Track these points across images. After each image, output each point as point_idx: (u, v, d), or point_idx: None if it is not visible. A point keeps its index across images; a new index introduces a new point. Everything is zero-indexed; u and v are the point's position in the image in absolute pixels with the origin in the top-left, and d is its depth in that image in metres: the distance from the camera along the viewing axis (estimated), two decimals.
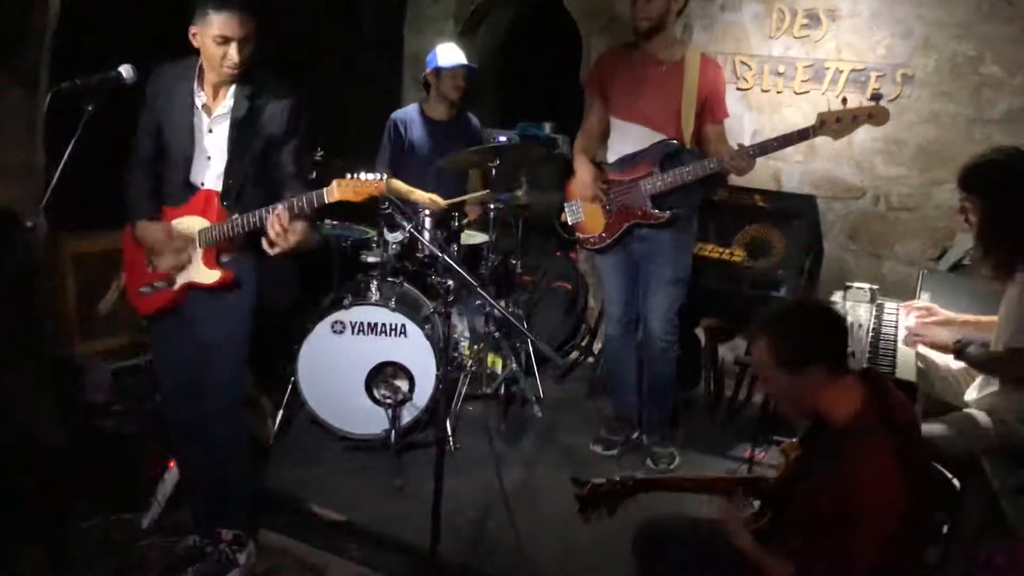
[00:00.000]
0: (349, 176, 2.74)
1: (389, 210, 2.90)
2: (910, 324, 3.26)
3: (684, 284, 3.84)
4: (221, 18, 2.69)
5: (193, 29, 2.76)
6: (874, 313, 3.49)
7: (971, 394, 3.07)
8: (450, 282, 3.59)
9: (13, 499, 3.01)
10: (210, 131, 2.87)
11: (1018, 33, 4.13)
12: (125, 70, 2.74)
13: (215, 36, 2.71)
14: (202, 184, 2.90)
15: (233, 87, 2.86)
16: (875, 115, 3.35)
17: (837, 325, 2.16)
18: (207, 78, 2.85)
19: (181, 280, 2.94)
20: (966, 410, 3.00)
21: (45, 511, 2.95)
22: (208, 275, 2.91)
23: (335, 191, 2.74)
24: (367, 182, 2.74)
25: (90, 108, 2.65)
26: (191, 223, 2.90)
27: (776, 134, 3.55)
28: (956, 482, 2.67)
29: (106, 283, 3.87)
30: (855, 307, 3.52)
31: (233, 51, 2.74)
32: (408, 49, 6.00)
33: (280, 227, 2.75)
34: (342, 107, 5.31)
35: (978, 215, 2.91)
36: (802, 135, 3.44)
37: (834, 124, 3.36)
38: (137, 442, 3.58)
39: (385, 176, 2.76)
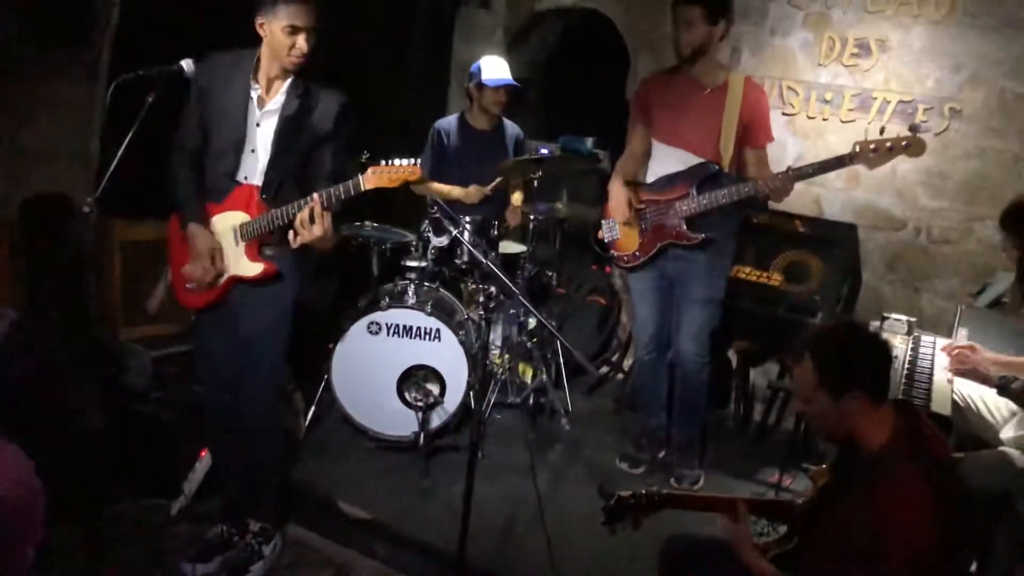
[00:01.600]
0: (384, 162, 2.78)
1: (437, 214, 2.92)
2: (952, 357, 3.24)
3: (718, 306, 3.83)
4: (292, 8, 2.78)
5: (260, 19, 2.82)
6: (910, 345, 3.48)
7: (1007, 432, 3.05)
8: (492, 288, 3.61)
9: (50, 480, 3.07)
10: (258, 125, 2.92)
11: None
12: (186, 63, 2.82)
13: (285, 26, 2.78)
14: (245, 178, 2.95)
15: (287, 83, 2.91)
16: (912, 146, 3.31)
17: (884, 353, 2.14)
18: (264, 71, 2.90)
19: (225, 275, 3.00)
20: (1001, 448, 2.99)
21: (82, 492, 3.00)
22: (251, 268, 2.97)
23: (370, 178, 2.78)
24: (401, 168, 2.77)
25: (150, 99, 2.72)
26: (231, 218, 2.95)
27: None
28: (988, 520, 2.65)
29: (152, 272, 3.97)
30: (891, 338, 3.50)
31: (302, 40, 2.82)
32: (456, 57, 6.06)
33: (309, 216, 2.79)
34: (389, 112, 5.37)
35: (1020, 256, 2.91)
36: (838, 162, 3.43)
37: (870, 153, 3.35)
38: (173, 429, 3.64)
39: (419, 161, 2.79)
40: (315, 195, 2.81)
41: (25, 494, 2.00)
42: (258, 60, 2.91)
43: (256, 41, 2.89)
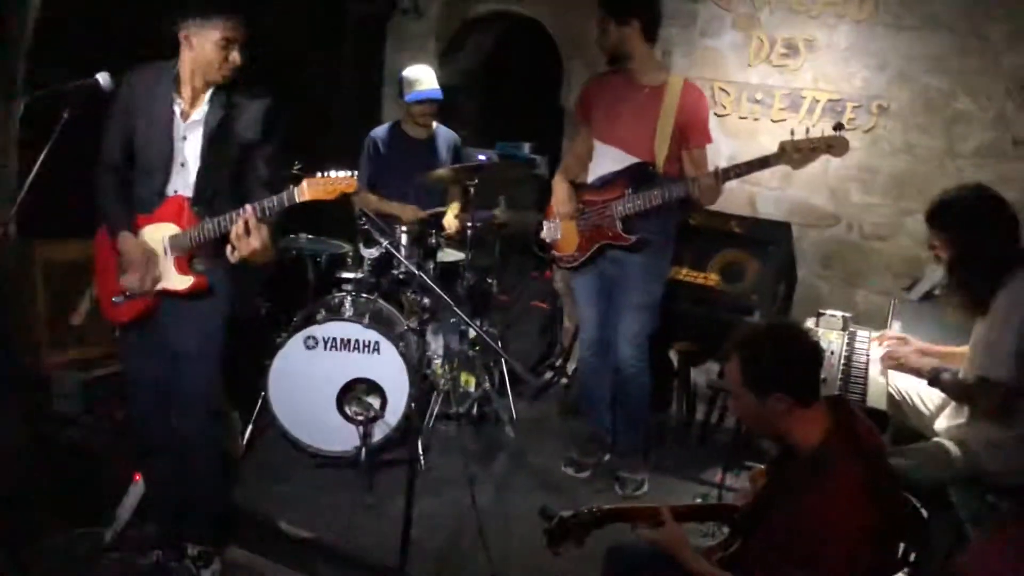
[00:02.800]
0: (320, 174, 2.73)
1: (366, 225, 2.88)
2: (882, 354, 3.30)
3: (654, 309, 3.84)
4: (227, 21, 2.74)
5: (185, 31, 2.75)
6: (846, 341, 3.52)
7: (941, 423, 3.11)
8: (426, 300, 3.57)
9: None
10: (184, 138, 2.85)
11: (990, 68, 4.21)
12: (102, 77, 2.74)
13: (219, 40, 2.74)
14: (175, 191, 2.87)
15: (209, 93, 2.85)
16: (834, 146, 3.36)
17: (811, 356, 2.14)
18: (186, 83, 2.83)
19: (153, 287, 2.91)
20: (935, 439, 3.04)
21: (8, 523, 2.89)
22: (181, 281, 2.89)
23: (305, 190, 2.73)
24: (338, 179, 2.72)
25: (66, 115, 2.63)
26: (161, 230, 2.87)
27: None
28: (924, 511, 2.69)
29: (77, 291, 3.84)
30: (827, 334, 3.56)
31: (235, 54, 2.79)
32: (389, 67, 6.00)
33: (244, 228, 2.72)
34: (322, 122, 5.30)
35: (947, 253, 2.97)
36: (763, 163, 3.48)
37: (794, 153, 3.40)
38: (104, 454, 3.53)
39: (356, 174, 2.75)
40: (248, 207, 2.75)
41: None
42: (177, 73, 2.83)
43: (173, 52, 2.81)
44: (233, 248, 2.76)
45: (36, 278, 3.96)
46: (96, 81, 2.71)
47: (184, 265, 2.89)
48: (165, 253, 2.88)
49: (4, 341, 3.70)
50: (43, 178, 2.59)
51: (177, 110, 2.84)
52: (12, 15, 3.59)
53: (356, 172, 2.76)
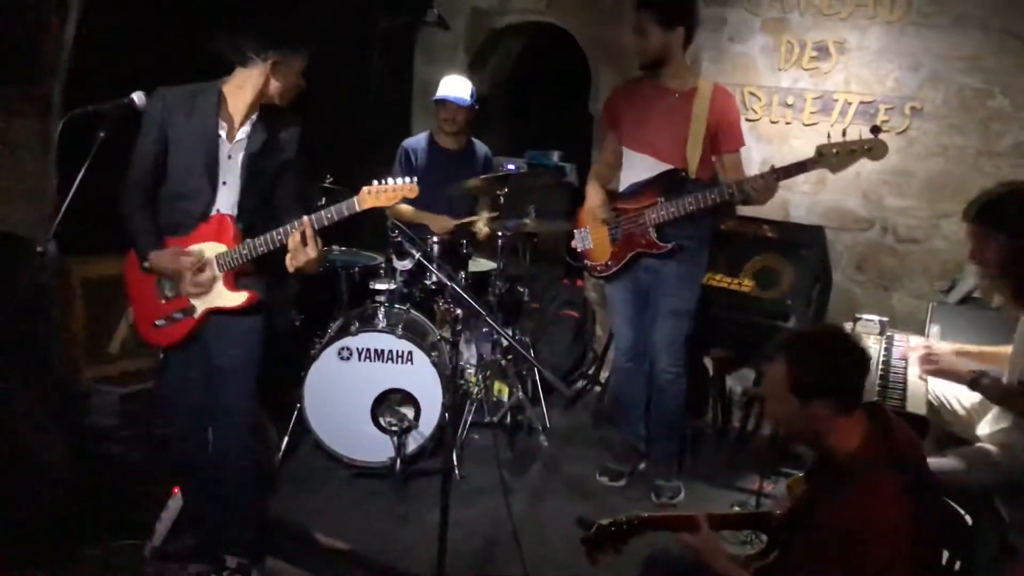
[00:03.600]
0: (376, 183, 2.76)
1: (399, 237, 2.89)
2: (919, 356, 3.24)
3: (690, 316, 3.81)
4: (306, 49, 2.87)
5: (275, 58, 2.81)
6: (884, 345, 3.47)
7: (983, 428, 3.05)
8: (458, 311, 3.57)
9: (16, 525, 3.00)
10: (229, 157, 2.88)
11: None
12: (137, 96, 2.78)
13: (301, 68, 2.87)
14: (217, 210, 2.90)
15: (255, 115, 2.89)
16: (873, 149, 3.32)
17: (861, 362, 2.11)
18: (235, 105, 2.86)
19: (202, 307, 2.93)
20: (978, 444, 2.98)
21: (48, 537, 2.92)
22: (233, 298, 2.92)
23: (367, 198, 2.78)
24: (398, 186, 2.77)
25: (102, 134, 2.67)
26: (207, 250, 2.89)
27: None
28: (968, 517, 2.64)
29: (115, 307, 3.89)
30: (864, 339, 3.50)
31: (302, 79, 2.91)
32: (418, 78, 6.05)
33: (302, 239, 2.77)
34: (353, 134, 5.34)
35: (997, 249, 2.88)
36: (800, 167, 3.44)
37: (832, 157, 3.36)
38: (143, 468, 3.57)
39: (415, 180, 2.78)
40: (305, 218, 2.79)
41: None
42: (221, 94, 2.86)
43: (210, 74, 2.86)
44: (291, 259, 2.81)
45: (74, 295, 4.02)
46: (131, 101, 2.76)
47: (232, 282, 2.92)
48: (215, 271, 2.90)
49: (44, 356, 3.75)
50: (80, 197, 2.62)
51: (223, 132, 2.87)
52: (49, 34, 3.66)
53: (415, 178, 2.79)
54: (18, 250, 3.49)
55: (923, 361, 3.18)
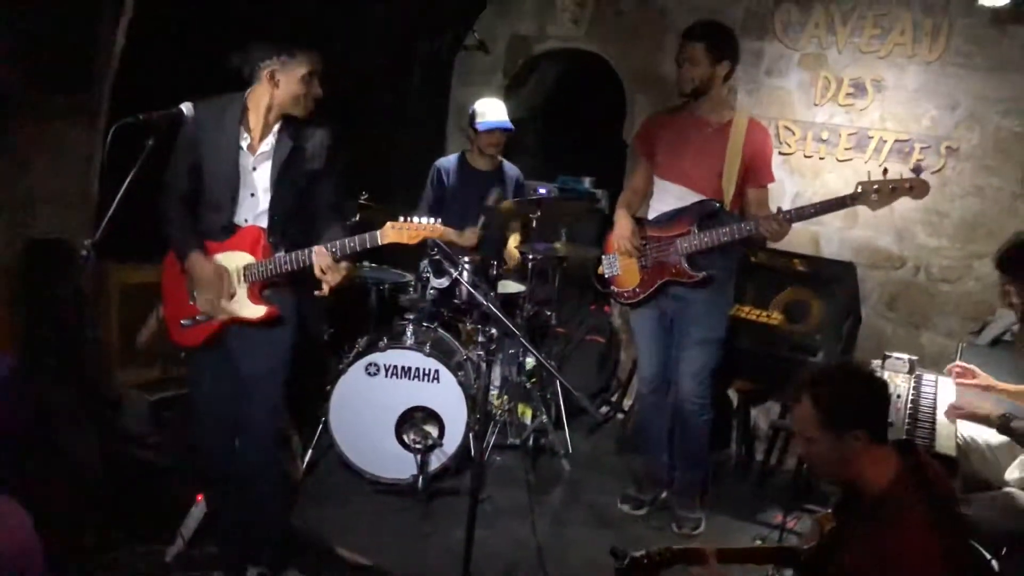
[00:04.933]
0: (402, 219, 2.79)
1: (437, 255, 2.93)
2: (950, 387, 3.22)
3: (717, 345, 3.81)
4: (311, 53, 2.84)
5: (271, 69, 2.81)
6: (912, 384, 3.46)
7: (1012, 473, 3.02)
8: (493, 330, 3.59)
9: (46, 525, 3.04)
10: (254, 169, 2.92)
11: None
12: (186, 107, 2.82)
13: (305, 75, 2.83)
14: (245, 221, 2.94)
15: (277, 125, 2.92)
16: (915, 188, 3.32)
17: (883, 393, 2.15)
18: (256, 116, 2.89)
19: (224, 314, 2.97)
20: (1006, 489, 2.95)
21: (78, 539, 2.95)
22: (253, 310, 2.95)
23: (389, 234, 2.81)
24: (422, 225, 2.80)
25: (150, 143, 2.71)
26: (235, 259, 2.93)
27: (817, 199, 3.59)
28: (995, 563, 2.61)
29: (147, 314, 3.94)
30: (893, 377, 3.49)
31: (316, 85, 2.87)
32: (454, 99, 6.11)
33: (323, 267, 2.83)
34: (388, 153, 5.40)
35: (1022, 299, 2.89)
36: (840, 203, 3.44)
37: (873, 194, 3.35)
38: (170, 473, 3.60)
39: (439, 220, 2.81)
40: (323, 246, 2.85)
41: (20, 552, 1.95)
42: (244, 105, 2.90)
43: (240, 86, 2.89)
44: (321, 284, 2.88)
45: (112, 300, 4.08)
46: (180, 111, 2.80)
47: (256, 294, 2.95)
48: (239, 281, 2.94)
49: (80, 362, 3.80)
50: (124, 204, 2.65)
51: (244, 144, 2.90)
52: (100, 44, 3.73)
53: (439, 220, 2.83)
54: (62, 254, 3.55)
55: (951, 409, 3.16)
